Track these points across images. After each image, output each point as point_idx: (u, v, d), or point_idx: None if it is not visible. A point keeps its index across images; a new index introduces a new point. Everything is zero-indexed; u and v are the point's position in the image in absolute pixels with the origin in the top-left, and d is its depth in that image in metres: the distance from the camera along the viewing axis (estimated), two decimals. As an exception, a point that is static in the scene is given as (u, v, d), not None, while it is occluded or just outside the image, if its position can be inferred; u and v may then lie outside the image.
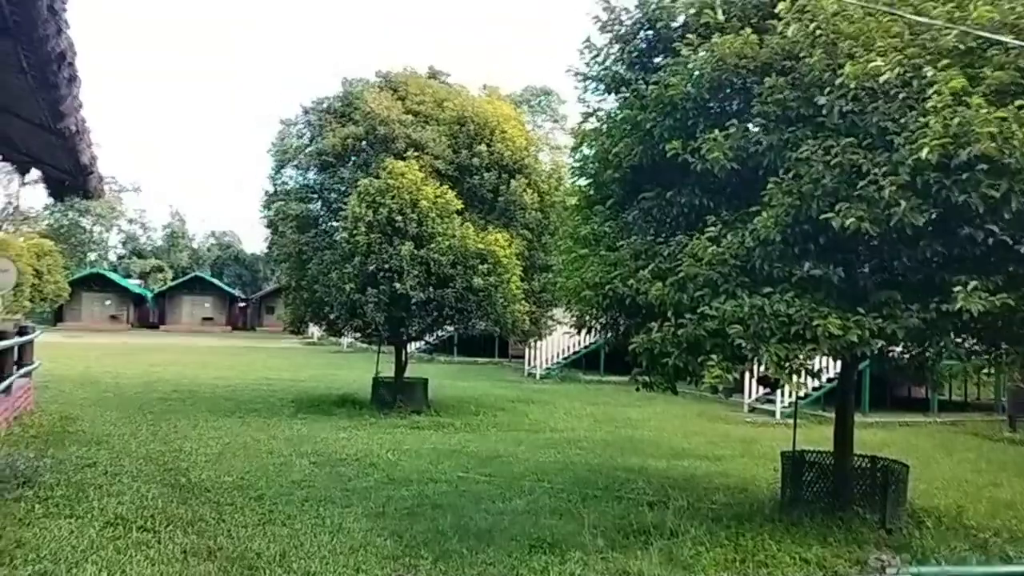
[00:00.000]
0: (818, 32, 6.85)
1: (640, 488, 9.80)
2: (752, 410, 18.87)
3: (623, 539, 7.52)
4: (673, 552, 7.15)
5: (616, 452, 12.73)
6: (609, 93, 8.72)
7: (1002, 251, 6.25)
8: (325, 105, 17.49)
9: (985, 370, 8.13)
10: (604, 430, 15.21)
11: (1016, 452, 14.40)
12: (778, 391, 16.62)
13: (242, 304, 63.41)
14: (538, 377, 26.27)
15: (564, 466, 11.31)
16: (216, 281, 63.24)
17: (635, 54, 8.44)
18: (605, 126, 8.72)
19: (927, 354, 7.98)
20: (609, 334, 9.27)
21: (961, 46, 6.36)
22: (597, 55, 8.56)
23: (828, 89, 6.77)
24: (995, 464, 12.88)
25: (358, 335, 17.63)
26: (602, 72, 8.58)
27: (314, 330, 30.58)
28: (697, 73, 7.43)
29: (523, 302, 15.80)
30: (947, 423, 18.08)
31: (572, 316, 9.54)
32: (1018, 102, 5.85)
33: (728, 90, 7.59)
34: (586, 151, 9.14)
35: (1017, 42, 6.02)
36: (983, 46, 6.34)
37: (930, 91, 6.12)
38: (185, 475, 9.55)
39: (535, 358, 26.92)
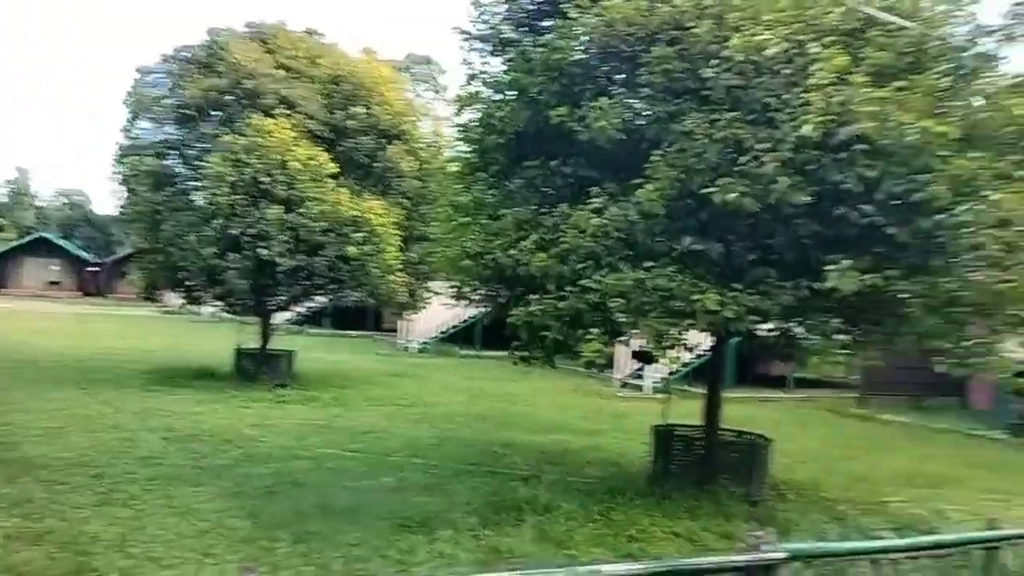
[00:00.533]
0: (707, 2, 6.75)
1: (514, 463, 9.63)
2: (624, 385, 19.18)
3: (495, 515, 7.29)
4: (545, 528, 7.00)
5: (491, 427, 12.55)
6: (495, 55, 8.39)
7: (873, 232, 6.36)
8: (188, 54, 16.25)
9: (847, 349, 8.38)
10: (480, 405, 15.01)
11: (866, 427, 15.27)
12: (649, 366, 16.93)
13: (93, 269, 59.33)
14: (414, 351, 25.82)
15: (437, 442, 11.02)
16: (64, 243, 58.82)
17: (523, 15, 8.14)
18: (490, 90, 8.38)
19: (795, 331, 8.15)
20: (488, 306, 9.00)
21: (845, 25, 6.40)
22: (483, 13, 8.19)
23: (715, 61, 6.70)
24: (847, 439, 13.56)
25: (220, 304, 16.59)
26: (488, 32, 8.24)
27: (174, 298, 28.83)
28: (586, 38, 7.20)
29: (399, 273, 15.32)
30: (802, 399, 19.00)
31: (451, 288, 9.20)
32: (897, 83, 5.93)
33: (616, 57, 7.41)
34: (469, 115, 8.78)
35: (901, 20, 6.10)
36: (865, 26, 6.41)
37: (813, 68, 6.13)
38: (16, 450, 8.62)
39: (411, 331, 26.44)
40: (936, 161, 5.94)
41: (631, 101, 7.27)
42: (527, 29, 8.10)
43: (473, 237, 7.88)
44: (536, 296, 7.12)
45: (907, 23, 6.22)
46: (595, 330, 6.71)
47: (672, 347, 7.11)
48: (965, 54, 6.50)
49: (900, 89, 5.89)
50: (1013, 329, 6.89)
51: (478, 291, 8.70)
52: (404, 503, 7.59)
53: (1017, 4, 6.21)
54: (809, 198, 6.20)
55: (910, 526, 7.10)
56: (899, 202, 6.17)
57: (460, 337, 26.74)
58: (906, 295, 6.54)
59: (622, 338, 7.29)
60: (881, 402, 17.92)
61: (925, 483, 10.37)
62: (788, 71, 6.38)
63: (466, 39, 8.39)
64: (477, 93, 8.43)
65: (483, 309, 9.41)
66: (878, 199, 6.16)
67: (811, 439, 13.30)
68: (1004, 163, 6.19)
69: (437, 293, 15.86)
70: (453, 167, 10.78)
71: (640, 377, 18.91)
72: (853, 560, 4.33)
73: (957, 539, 4.74)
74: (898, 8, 6.41)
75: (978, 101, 6.33)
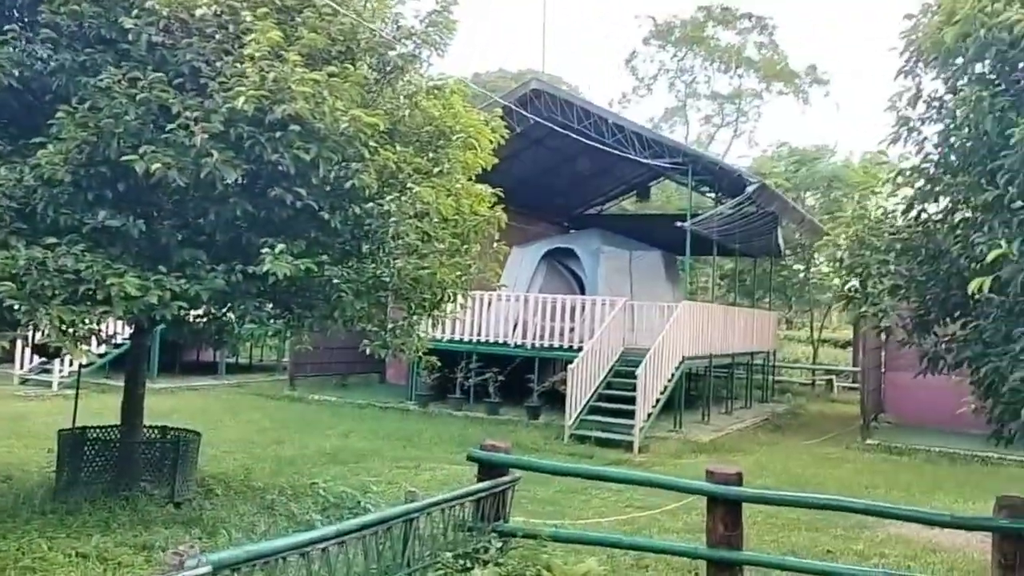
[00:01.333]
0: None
1: None
2: (25, 382, 16.42)
3: None
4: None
5: None
6: None
7: (308, 216, 6.28)
8: None
9: (281, 334, 8.29)
10: None
11: (295, 408, 15.64)
12: (58, 360, 14.76)
13: None
14: None
15: None
16: None
17: None
18: None
19: (228, 318, 7.74)
20: None
21: (278, 1, 6.18)
22: None
23: (136, 12, 5.87)
24: (278, 422, 13.66)
25: None
26: None
27: None
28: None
29: None
30: (235, 385, 18.70)
31: None
32: (330, 68, 5.91)
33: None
34: None
35: (335, 6, 6.09)
36: (300, 5, 6.27)
37: (248, 38, 5.77)
38: None
39: None
40: (367, 151, 6.10)
41: (33, 46, 5.98)
42: None
43: None
44: None
45: (341, 10, 6.26)
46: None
47: (85, 339, 6.07)
48: (392, 52, 6.84)
49: (332, 75, 5.89)
50: (427, 311, 7.55)
51: None
52: None
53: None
54: (242, 176, 5.83)
55: (337, 505, 7.27)
56: (332, 188, 6.19)
57: None
58: (337, 280, 6.64)
59: (16, 330, 5.96)
60: (310, 382, 18.64)
61: (350, 458, 10.95)
62: (220, 37, 5.90)
63: None
64: None
65: None
66: (314, 183, 6.09)
67: (242, 426, 13.07)
68: (423, 159, 6.70)
69: None
70: None
71: (46, 372, 16.40)
72: (283, 556, 4.11)
73: (379, 518, 4.88)
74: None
75: (402, 99, 6.73)
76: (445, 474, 10.25)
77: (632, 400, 13.40)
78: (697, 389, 17.89)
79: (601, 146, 15.49)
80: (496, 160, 8.09)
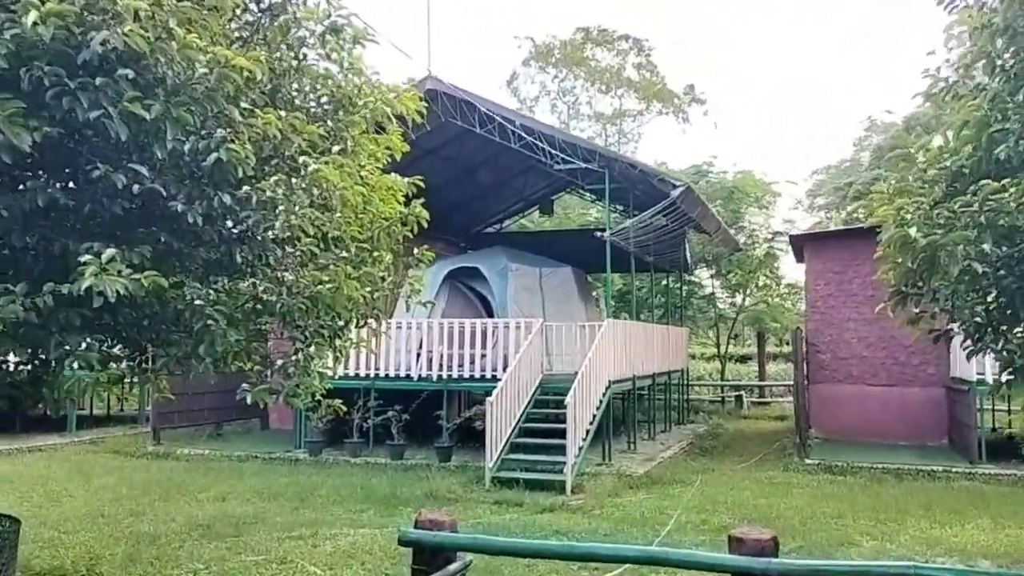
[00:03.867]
0: None
1: None
2: None
3: None
4: None
5: None
6: None
7: (152, 209, 4.37)
8: None
9: (128, 379, 6.21)
10: None
11: (160, 468, 13.15)
12: None
13: None
14: None
15: None
16: None
17: None
18: None
19: (45, 360, 5.62)
20: None
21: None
22: None
23: None
24: (138, 487, 11.24)
25: None
26: None
27: None
28: None
29: None
30: (87, 442, 15.89)
31: None
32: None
33: None
34: None
35: None
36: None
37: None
38: None
39: None
40: (238, 112, 4.26)
41: None
42: None
43: None
44: None
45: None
46: None
47: None
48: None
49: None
50: (328, 342, 5.68)
51: None
52: None
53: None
54: (39, 144, 3.87)
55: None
56: (188, 166, 4.31)
57: None
58: (201, 302, 4.74)
59: None
60: (179, 434, 16.09)
61: (228, 529, 8.81)
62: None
63: None
64: None
65: None
66: (159, 158, 4.20)
67: (92, 495, 10.61)
68: (319, 128, 4.88)
69: None
70: None
71: None
72: None
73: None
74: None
75: (284, 48, 4.91)
76: (351, 543, 8.30)
77: (557, 433, 11.82)
78: (619, 415, 16.51)
79: (511, 148, 13.97)
80: (407, 148, 6.38)
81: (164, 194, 4.19)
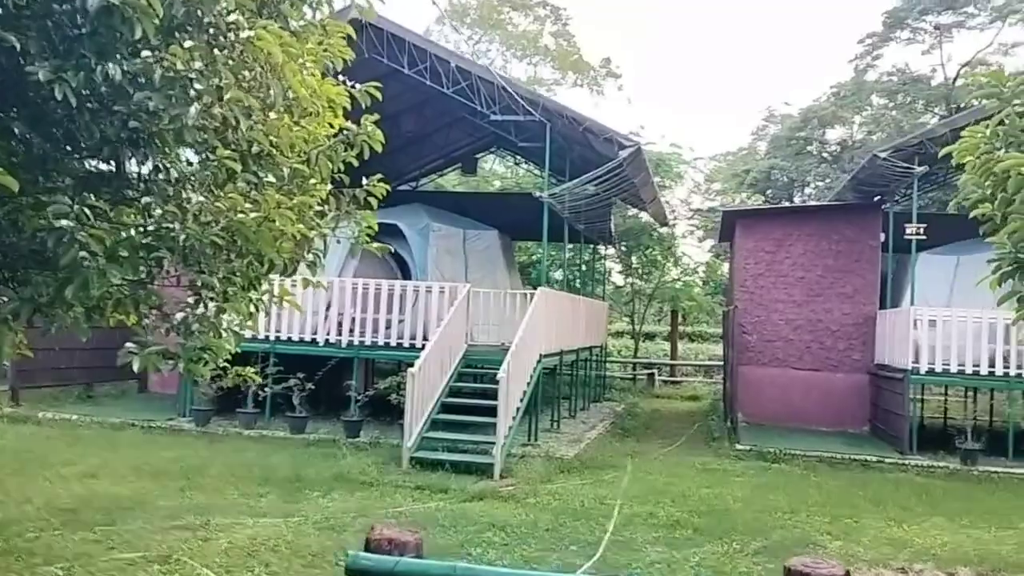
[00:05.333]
0: None
1: None
2: None
3: None
4: None
5: None
6: None
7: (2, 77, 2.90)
8: None
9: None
10: None
11: (17, 435, 11.22)
12: None
13: None
14: None
15: None
16: None
17: None
18: None
19: None
20: None
21: None
22: None
23: None
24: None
25: None
26: None
27: None
28: None
29: None
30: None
31: None
32: None
33: None
34: None
35: None
36: None
37: None
38: None
39: None
40: None
41: None
42: None
43: None
44: None
45: None
46: None
47: None
48: None
49: None
50: (247, 290, 4.30)
51: None
52: None
53: None
54: None
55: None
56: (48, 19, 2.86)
57: None
58: (72, 226, 3.32)
59: None
60: (42, 395, 14.08)
61: (99, 516, 7.28)
62: None
63: None
64: None
65: None
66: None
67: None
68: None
69: None
70: None
71: None
72: None
73: None
74: None
75: None
76: (250, 537, 6.95)
77: (484, 411, 10.70)
78: (544, 392, 15.53)
79: (441, 95, 12.61)
80: (351, 55, 5.02)
81: (18, 49, 2.73)
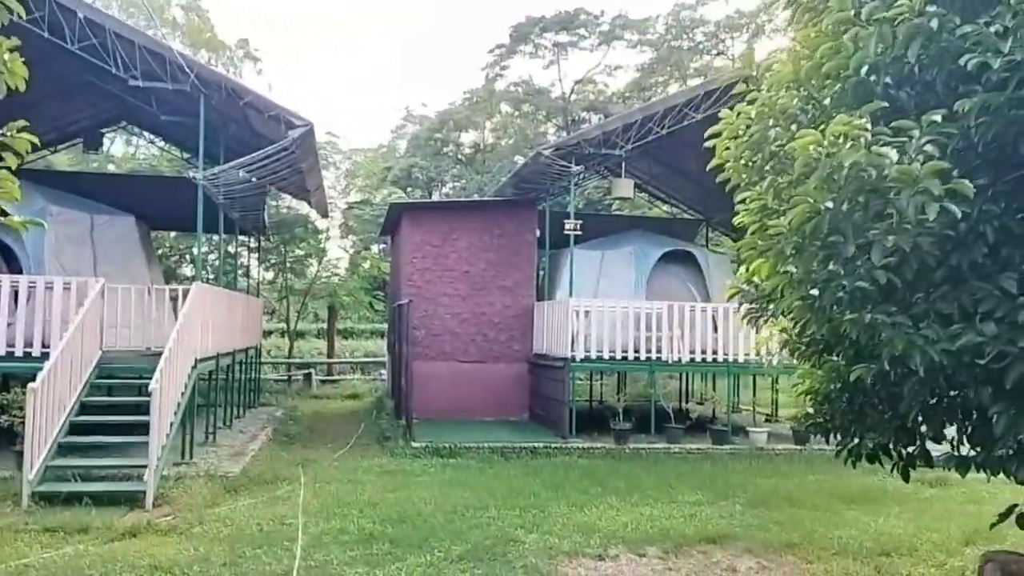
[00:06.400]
0: None
1: None
2: None
3: None
4: None
5: None
6: None
7: None
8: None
9: None
10: None
11: None
12: None
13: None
14: None
15: None
16: None
17: None
18: None
19: None
20: None
21: None
22: None
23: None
24: None
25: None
26: None
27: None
28: None
29: None
30: None
31: None
32: None
33: None
34: None
35: None
36: None
37: None
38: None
39: None
40: None
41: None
42: None
43: None
44: None
45: None
46: None
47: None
48: None
49: None
50: None
51: None
52: None
53: None
54: None
55: None
56: None
57: None
58: None
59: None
60: None
61: None
62: None
63: None
64: None
65: None
66: None
67: None
68: None
69: None
70: None
71: None
72: None
73: None
74: None
75: None
76: None
77: (127, 429, 8.98)
78: (198, 400, 13.69)
79: (64, 51, 10.36)
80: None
81: None
